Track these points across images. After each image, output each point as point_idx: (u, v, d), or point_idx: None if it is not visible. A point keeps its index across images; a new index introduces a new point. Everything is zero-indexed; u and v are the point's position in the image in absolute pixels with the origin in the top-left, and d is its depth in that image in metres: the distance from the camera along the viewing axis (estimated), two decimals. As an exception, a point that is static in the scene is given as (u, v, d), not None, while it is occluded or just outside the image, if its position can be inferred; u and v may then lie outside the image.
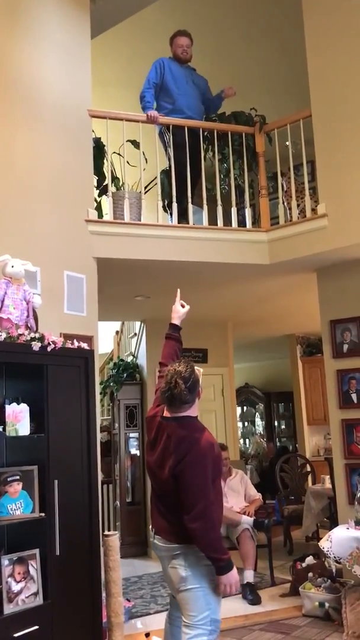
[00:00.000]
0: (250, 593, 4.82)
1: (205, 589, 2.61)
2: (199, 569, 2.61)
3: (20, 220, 3.87)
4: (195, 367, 2.76)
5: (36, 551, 2.99)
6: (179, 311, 3.21)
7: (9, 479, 2.98)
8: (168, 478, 2.62)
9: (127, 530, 6.71)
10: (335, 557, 3.89)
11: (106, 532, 3.47)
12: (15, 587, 2.87)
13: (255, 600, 4.75)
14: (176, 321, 3.20)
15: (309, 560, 4.81)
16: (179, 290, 3.33)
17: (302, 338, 9.18)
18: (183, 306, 3.24)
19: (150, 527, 2.88)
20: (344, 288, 4.84)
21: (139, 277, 5.14)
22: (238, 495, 5.45)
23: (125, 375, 7.13)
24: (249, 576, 4.93)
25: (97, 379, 4.11)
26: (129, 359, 7.55)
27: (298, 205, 4.83)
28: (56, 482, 3.06)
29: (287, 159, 4.91)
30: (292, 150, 4.88)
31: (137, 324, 7.42)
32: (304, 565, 4.78)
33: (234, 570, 2.60)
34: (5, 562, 2.87)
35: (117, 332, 8.59)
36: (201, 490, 2.55)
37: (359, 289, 4.76)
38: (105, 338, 8.25)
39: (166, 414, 2.74)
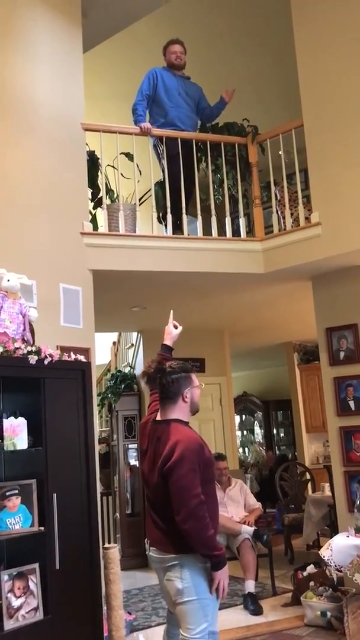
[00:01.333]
0: (252, 603, 4.79)
1: (203, 600, 2.59)
2: (196, 580, 2.60)
3: (15, 234, 3.89)
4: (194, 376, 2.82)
5: (36, 565, 2.97)
6: (172, 332, 3.23)
7: (7, 494, 2.97)
8: (158, 481, 2.63)
9: (128, 542, 6.67)
10: (336, 566, 3.88)
11: (106, 545, 3.45)
12: (15, 603, 2.85)
13: (257, 611, 4.72)
14: (168, 342, 3.23)
15: (310, 569, 4.79)
16: (172, 311, 3.33)
17: (299, 346, 9.18)
18: (176, 327, 3.25)
19: (145, 539, 2.87)
20: (339, 295, 4.87)
21: (135, 288, 5.15)
22: (238, 505, 5.43)
23: (123, 386, 7.12)
24: (250, 586, 4.91)
25: (95, 391, 4.11)
26: (127, 369, 7.54)
27: (292, 214, 4.85)
28: (55, 495, 3.05)
29: (280, 168, 4.94)
30: (284, 159, 4.91)
31: (134, 334, 7.42)
32: (305, 574, 4.76)
33: (226, 566, 2.63)
34: (5, 577, 2.85)
35: (114, 343, 8.59)
36: (189, 490, 2.54)
37: (354, 296, 4.78)
38: (103, 349, 8.24)
39: (158, 417, 2.80)
